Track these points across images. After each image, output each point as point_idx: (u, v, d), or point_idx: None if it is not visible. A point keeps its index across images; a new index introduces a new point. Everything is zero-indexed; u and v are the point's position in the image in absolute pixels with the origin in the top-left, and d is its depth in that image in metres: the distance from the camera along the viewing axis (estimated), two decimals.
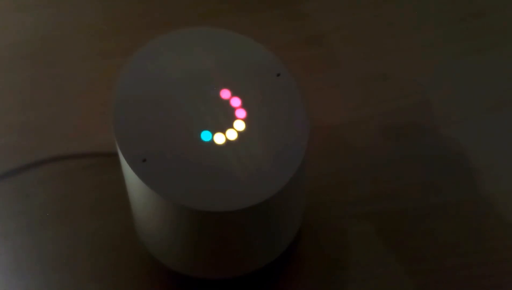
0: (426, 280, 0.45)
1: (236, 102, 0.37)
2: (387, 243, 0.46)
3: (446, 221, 0.47)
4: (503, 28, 0.56)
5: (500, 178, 0.49)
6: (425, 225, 0.47)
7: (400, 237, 0.46)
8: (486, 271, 0.45)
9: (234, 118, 0.37)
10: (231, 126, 0.37)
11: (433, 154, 0.50)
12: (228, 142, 0.36)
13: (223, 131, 0.36)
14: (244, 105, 0.37)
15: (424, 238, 0.46)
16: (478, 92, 0.53)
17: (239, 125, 0.37)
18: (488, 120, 0.51)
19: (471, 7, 0.57)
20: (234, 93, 0.37)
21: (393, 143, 0.50)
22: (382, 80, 0.53)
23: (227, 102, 0.37)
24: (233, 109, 0.37)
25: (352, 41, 0.55)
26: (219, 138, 0.36)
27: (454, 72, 0.54)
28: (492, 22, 0.56)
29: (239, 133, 0.36)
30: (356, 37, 0.55)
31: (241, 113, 0.37)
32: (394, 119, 0.51)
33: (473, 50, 0.55)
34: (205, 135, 0.36)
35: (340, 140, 0.50)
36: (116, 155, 0.37)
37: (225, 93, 0.37)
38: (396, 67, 0.54)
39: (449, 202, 0.48)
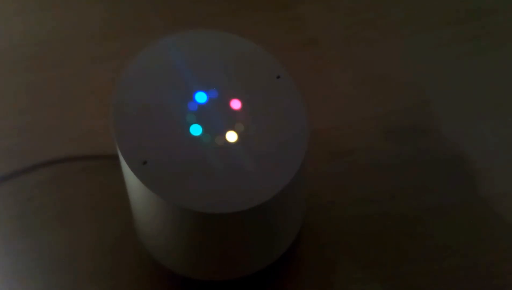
0: (424, 281, 0.45)
1: (236, 104, 0.37)
2: (387, 245, 0.46)
3: (445, 223, 0.47)
4: (503, 30, 0.56)
5: (499, 179, 0.49)
6: (424, 227, 0.47)
7: (399, 238, 0.46)
8: (484, 272, 0.45)
9: (234, 120, 0.37)
10: (231, 128, 0.37)
11: (433, 156, 0.50)
12: (228, 144, 0.36)
13: (223, 133, 0.36)
14: (244, 107, 0.37)
15: (423, 239, 0.46)
16: (478, 94, 0.53)
17: (239, 127, 0.37)
18: (487, 122, 0.51)
19: (472, 8, 0.57)
20: (234, 95, 0.38)
21: (392, 145, 0.50)
22: (382, 81, 0.53)
23: (227, 104, 0.37)
24: (233, 111, 0.37)
25: (353, 42, 0.55)
26: (219, 140, 0.36)
27: (454, 74, 0.54)
28: (493, 23, 0.57)
29: (239, 135, 0.37)
30: (356, 39, 0.55)
31: (241, 115, 0.37)
32: (394, 121, 0.51)
33: (472, 52, 0.55)
34: (205, 137, 0.36)
35: (340, 141, 0.50)
36: (117, 157, 0.37)
37: (225, 95, 0.38)
38: (396, 68, 0.54)
39: (448, 204, 0.48)
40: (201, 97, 0.37)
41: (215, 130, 0.37)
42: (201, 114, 0.37)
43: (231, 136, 0.37)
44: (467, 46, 0.55)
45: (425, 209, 0.48)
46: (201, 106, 0.37)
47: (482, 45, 0.55)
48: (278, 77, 0.38)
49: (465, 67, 0.54)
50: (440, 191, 0.48)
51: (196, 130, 0.36)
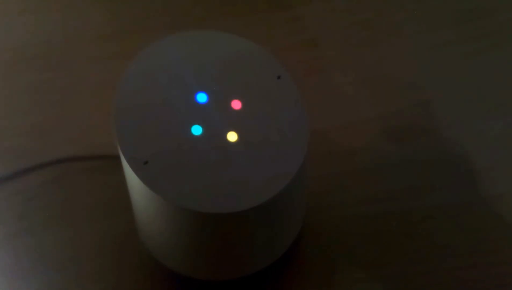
0: (425, 281, 0.45)
1: (236, 104, 0.37)
2: (387, 245, 0.46)
3: (445, 222, 0.47)
4: (503, 30, 0.56)
5: (499, 180, 0.49)
6: (425, 227, 0.47)
7: (400, 239, 0.46)
8: (484, 272, 0.45)
9: (235, 120, 0.37)
10: (232, 129, 0.37)
11: (433, 156, 0.50)
12: (228, 144, 0.36)
13: (224, 134, 0.37)
14: (244, 108, 0.37)
15: (424, 240, 0.46)
16: (478, 94, 0.53)
17: (240, 127, 0.37)
18: (488, 122, 0.52)
19: (472, 8, 0.57)
20: (234, 96, 0.38)
21: (393, 145, 0.50)
22: (382, 81, 0.53)
23: (227, 104, 0.37)
24: (233, 112, 0.37)
25: (353, 42, 0.55)
26: (219, 141, 0.36)
27: (454, 74, 0.54)
28: (493, 23, 0.57)
29: (240, 135, 0.37)
30: (356, 39, 0.55)
31: (241, 115, 0.37)
32: (395, 121, 0.51)
33: (473, 52, 0.55)
34: (206, 138, 0.36)
35: (341, 141, 0.50)
36: (119, 157, 0.37)
37: (225, 96, 0.38)
38: (396, 68, 0.54)
39: (449, 204, 0.48)
40: (201, 97, 0.38)
41: (215, 130, 0.37)
42: (202, 114, 0.37)
43: (232, 136, 0.37)
44: (467, 46, 0.55)
45: (425, 209, 0.48)
46: (201, 106, 0.37)
47: (482, 45, 0.55)
48: (279, 77, 0.38)
49: (466, 67, 0.54)
50: (440, 191, 0.48)
51: (197, 130, 0.37)
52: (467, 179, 0.49)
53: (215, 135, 0.37)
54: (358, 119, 0.51)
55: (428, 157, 0.50)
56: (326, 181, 0.48)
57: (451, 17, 0.57)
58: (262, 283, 0.44)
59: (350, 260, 0.46)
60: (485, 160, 0.50)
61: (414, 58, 0.55)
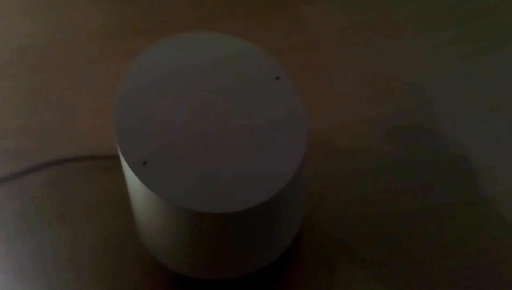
0: (425, 281, 0.45)
1: (235, 105, 0.38)
2: (387, 244, 0.46)
3: (445, 222, 0.47)
4: (504, 30, 0.56)
5: (499, 179, 0.49)
6: (425, 226, 0.47)
7: (400, 238, 0.46)
8: (484, 272, 0.45)
9: (234, 121, 0.37)
10: (231, 129, 0.37)
11: (433, 155, 0.50)
12: (227, 144, 0.37)
13: (223, 134, 0.37)
14: (243, 108, 0.38)
15: (424, 239, 0.46)
16: (478, 94, 0.53)
17: (239, 127, 0.37)
18: (488, 122, 0.52)
19: (473, 8, 0.57)
20: (233, 96, 0.38)
21: (393, 145, 0.50)
22: (382, 81, 0.53)
23: (226, 105, 0.38)
24: (232, 112, 0.37)
25: (352, 43, 0.55)
26: (218, 141, 0.37)
27: (455, 74, 0.54)
28: (494, 23, 0.57)
29: (239, 135, 0.37)
30: (356, 39, 0.56)
31: (240, 116, 0.37)
32: (394, 120, 0.51)
33: (473, 52, 0.55)
34: (205, 138, 0.37)
35: (340, 141, 0.50)
36: (118, 157, 0.37)
37: (224, 96, 0.38)
38: (396, 68, 0.54)
39: (449, 203, 0.48)
40: (200, 97, 0.38)
41: (214, 130, 0.37)
42: (201, 115, 0.37)
43: (231, 137, 0.37)
44: (468, 46, 0.55)
45: (426, 209, 0.48)
46: (200, 106, 0.37)
47: (482, 45, 0.55)
48: (277, 78, 0.39)
49: (466, 67, 0.54)
50: (440, 191, 0.48)
51: (195, 130, 0.37)
52: (467, 179, 0.49)
53: (214, 135, 0.37)
54: (358, 119, 0.51)
55: (427, 157, 0.50)
56: (326, 181, 0.48)
57: (451, 17, 0.57)
58: (261, 282, 0.44)
59: (349, 260, 0.46)
60: (485, 160, 0.50)
61: (414, 58, 0.55)
